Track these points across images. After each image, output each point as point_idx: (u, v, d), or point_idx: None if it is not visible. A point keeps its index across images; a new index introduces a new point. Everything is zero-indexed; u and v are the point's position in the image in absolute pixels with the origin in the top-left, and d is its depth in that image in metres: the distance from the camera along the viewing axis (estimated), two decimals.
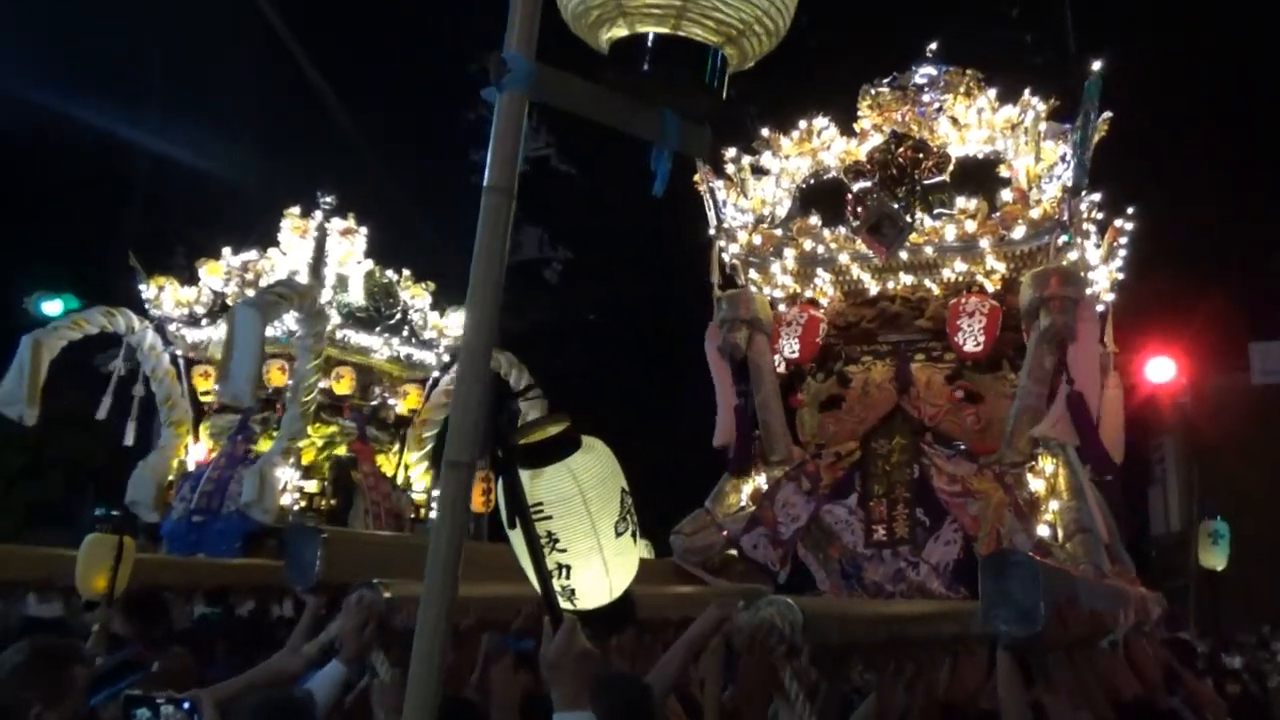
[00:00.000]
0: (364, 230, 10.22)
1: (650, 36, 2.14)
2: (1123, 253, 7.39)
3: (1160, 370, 15.90)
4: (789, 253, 6.73)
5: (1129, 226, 7.32)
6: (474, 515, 13.35)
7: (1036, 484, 5.94)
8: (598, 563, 1.90)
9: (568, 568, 1.90)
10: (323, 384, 9.13)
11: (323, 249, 9.52)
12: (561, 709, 1.91)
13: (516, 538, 1.89)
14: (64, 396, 10.32)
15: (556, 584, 1.89)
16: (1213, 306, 17.00)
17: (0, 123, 17.43)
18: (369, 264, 10.20)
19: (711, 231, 7.01)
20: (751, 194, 7.02)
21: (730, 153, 7.01)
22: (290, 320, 8.76)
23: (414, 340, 10.18)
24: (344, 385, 9.71)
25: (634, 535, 1.97)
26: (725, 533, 6.48)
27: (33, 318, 13.79)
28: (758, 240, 6.85)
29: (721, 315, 6.70)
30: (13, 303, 14.35)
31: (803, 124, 7.12)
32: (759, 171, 7.06)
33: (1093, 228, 6.97)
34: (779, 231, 6.83)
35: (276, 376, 9.27)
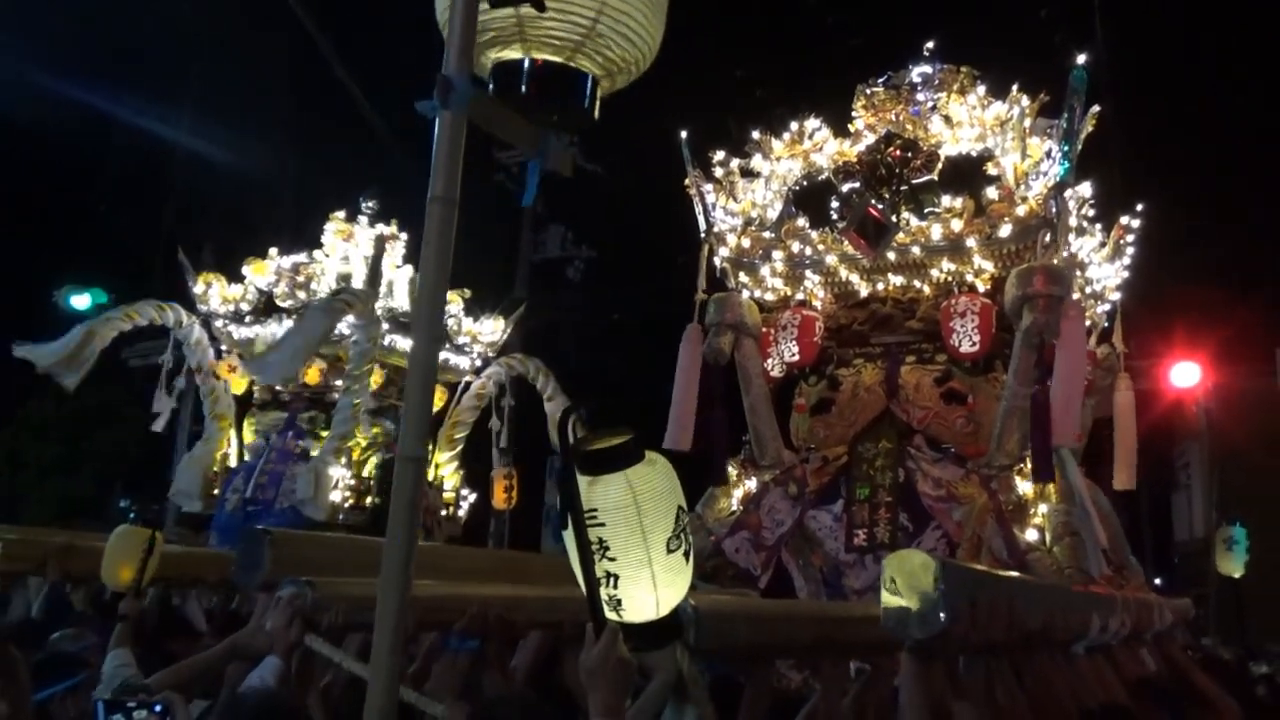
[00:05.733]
0: (404, 236, 10.38)
1: (534, 62, 2.32)
2: (1130, 250, 7.25)
3: (1185, 375, 15.69)
4: (777, 255, 6.67)
5: (1135, 224, 7.19)
6: (495, 512, 13.53)
7: (1025, 486, 5.83)
8: (646, 576, 1.90)
9: (616, 577, 1.90)
10: None
11: (380, 258, 9.63)
12: (598, 717, 1.90)
13: (568, 539, 1.91)
14: (97, 393, 10.58)
15: (604, 592, 1.90)
16: (1238, 311, 16.73)
17: (37, 122, 17.78)
18: (409, 269, 10.30)
19: (701, 235, 6.97)
20: (741, 197, 6.98)
21: (719, 156, 6.97)
22: (342, 325, 8.99)
23: (448, 345, 10.36)
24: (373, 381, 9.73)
25: (687, 555, 1.96)
26: (714, 537, 6.42)
27: (62, 311, 14.14)
28: (746, 243, 6.80)
29: (708, 319, 6.64)
30: (44, 296, 14.68)
31: (794, 126, 7.07)
32: (749, 174, 7.01)
33: (1091, 225, 6.85)
34: (768, 234, 6.77)
35: (313, 375, 9.59)
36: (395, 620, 2.01)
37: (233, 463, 9.78)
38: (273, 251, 10.16)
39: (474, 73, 2.28)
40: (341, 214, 10.37)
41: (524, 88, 2.30)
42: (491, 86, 2.31)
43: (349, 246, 10.14)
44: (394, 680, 2.03)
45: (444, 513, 10.31)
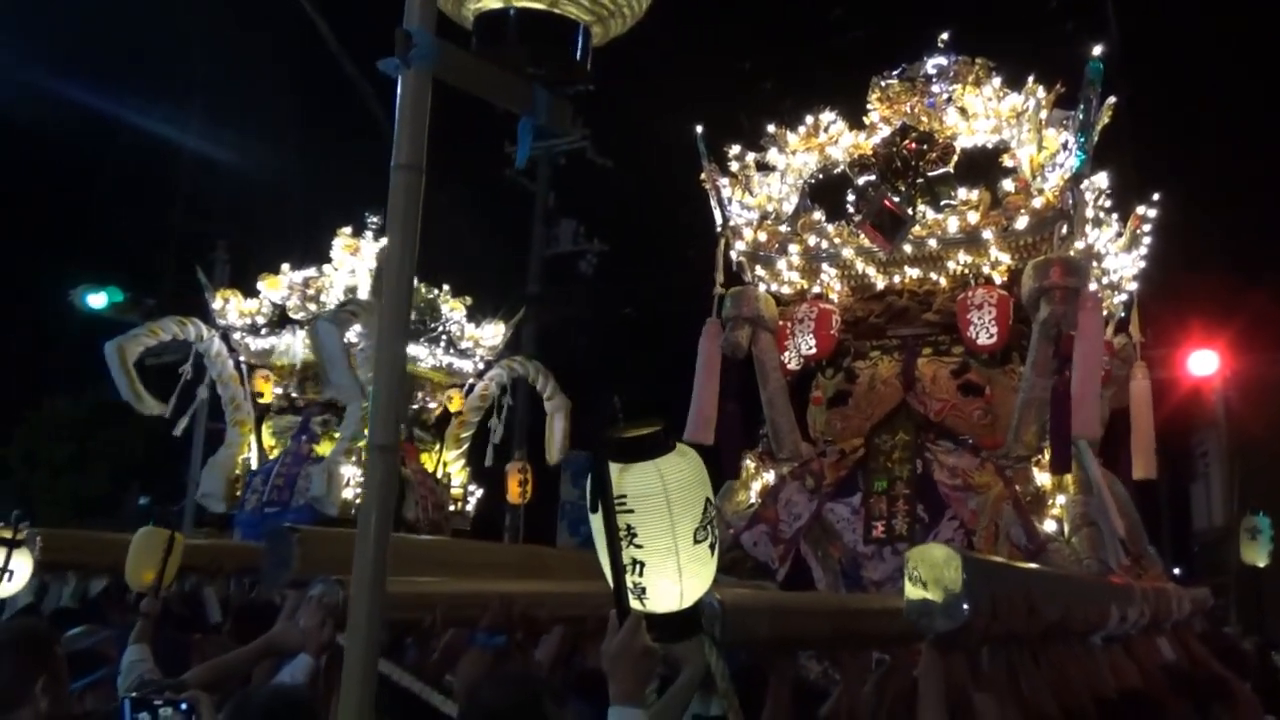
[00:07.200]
0: None
1: (518, 11, 2.18)
2: (1147, 240, 7.23)
3: (1203, 363, 15.62)
4: (794, 249, 6.68)
5: (1152, 213, 7.17)
6: (510, 506, 14.02)
7: (1043, 478, 5.83)
8: (672, 566, 1.91)
9: (642, 565, 1.91)
10: None
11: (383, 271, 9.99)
12: (618, 704, 1.91)
13: (597, 524, 1.92)
14: (106, 391, 11.18)
15: (629, 579, 1.91)
16: (1255, 298, 16.65)
17: (50, 122, 17.95)
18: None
19: (717, 229, 6.99)
20: (757, 191, 6.98)
21: (734, 150, 6.99)
22: (351, 333, 9.42)
23: (453, 349, 10.94)
24: None
25: (713, 547, 1.97)
26: (732, 530, 6.44)
27: (79, 310, 14.36)
28: (763, 237, 6.81)
29: (725, 313, 6.66)
30: (60, 295, 14.86)
31: (809, 119, 7.07)
32: (764, 168, 7.02)
33: (1108, 215, 6.83)
34: (784, 228, 6.78)
35: None
36: (369, 609, 2.12)
37: (253, 465, 10.36)
38: (285, 267, 10.72)
39: (463, 27, 2.17)
40: (348, 230, 10.92)
41: (510, 40, 2.17)
42: (475, 41, 2.19)
43: (355, 260, 10.67)
44: (373, 651, 2.15)
45: (451, 508, 10.79)
